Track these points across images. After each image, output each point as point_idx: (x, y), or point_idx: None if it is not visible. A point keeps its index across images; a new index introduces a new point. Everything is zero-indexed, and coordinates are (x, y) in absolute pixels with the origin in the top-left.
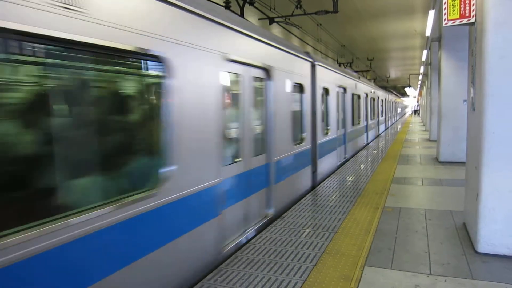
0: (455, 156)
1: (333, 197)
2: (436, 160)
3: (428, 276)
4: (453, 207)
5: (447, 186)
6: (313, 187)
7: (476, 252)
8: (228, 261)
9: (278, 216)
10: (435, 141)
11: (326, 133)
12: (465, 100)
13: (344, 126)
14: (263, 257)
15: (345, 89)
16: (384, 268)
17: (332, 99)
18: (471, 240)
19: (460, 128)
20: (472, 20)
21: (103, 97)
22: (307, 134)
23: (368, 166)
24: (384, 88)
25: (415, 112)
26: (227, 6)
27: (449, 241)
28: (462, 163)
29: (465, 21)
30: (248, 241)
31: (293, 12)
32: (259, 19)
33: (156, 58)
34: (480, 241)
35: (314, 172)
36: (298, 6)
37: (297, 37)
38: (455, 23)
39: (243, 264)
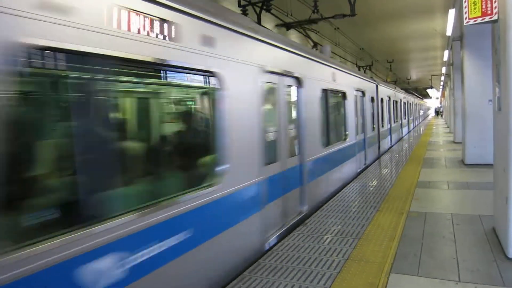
0: (482, 158)
1: (356, 202)
2: (462, 163)
3: (457, 283)
4: (482, 211)
5: (474, 189)
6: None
7: (508, 258)
8: (251, 268)
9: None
10: (460, 143)
11: (345, 139)
12: (490, 100)
13: (363, 131)
14: (286, 264)
15: (363, 93)
16: (410, 275)
17: (350, 104)
18: (502, 245)
19: (486, 129)
20: (495, 17)
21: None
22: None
23: (392, 170)
24: (406, 90)
25: (437, 113)
26: (243, 14)
27: (478, 246)
28: (490, 165)
29: (487, 18)
30: (271, 248)
31: (310, 17)
32: (276, 25)
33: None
34: (511, 246)
35: None
36: (315, 11)
37: (315, 41)
38: (476, 21)
39: (266, 271)
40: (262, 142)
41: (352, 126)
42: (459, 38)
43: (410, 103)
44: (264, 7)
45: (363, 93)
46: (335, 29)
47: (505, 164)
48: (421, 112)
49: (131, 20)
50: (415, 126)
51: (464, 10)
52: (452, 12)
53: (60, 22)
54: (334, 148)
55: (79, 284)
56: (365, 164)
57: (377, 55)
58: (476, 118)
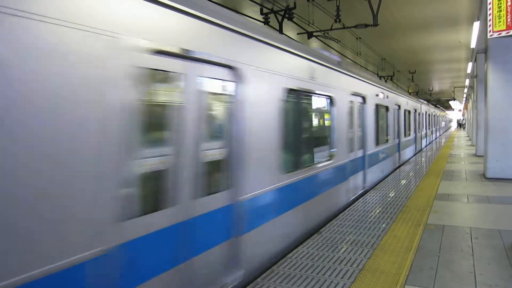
0: (504, 172)
1: (372, 212)
2: (483, 176)
3: None
4: (502, 226)
5: (495, 203)
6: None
7: None
8: (265, 275)
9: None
10: (482, 156)
11: (330, 159)
12: None
13: (363, 146)
14: (300, 272)
15: (364, 98)
16: None
17: (341, 112)
18: None
19: (509, 143)
20: None
21: None
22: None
23: (410, 182)
24: (427, 101)
25: (460, 125)
26: (266, 22)
27: (497, 261)
28: (511, 180)
29: None
30: (285, 255)
31: (332, 26)
32: (297, 33)
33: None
34: None
35: None
36: (337, 20)
37: (336, 50)
38: (501, 35)
39: (279, 279)
40: None
41: (342, 140)
42: (484, 50)
43: (429, 114)
44: (286, 16)
45: (364, 99)
46: (356, 38)
47: None
48: (443, 124)
49: None
50: (434, 139)
51: (489, 23)
52: (476, 25)
53: None
54: (307, 173)
55: None
56: (363, 188)
57: (399, 65)
58: (499, 131)
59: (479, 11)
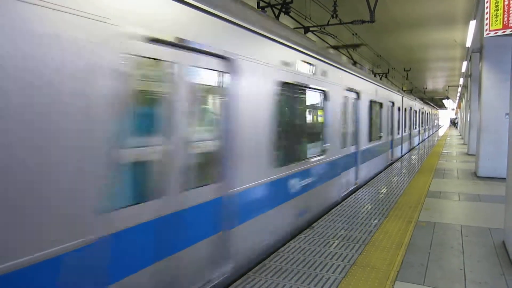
0: (495, 171)
1: (364, 208)
2: (475, 175)
3: None
4: (492, 224)
5: (485, 202)
6: None
7: None
8: (256, 269)
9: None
10: (474, 155)
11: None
12: (507, 114)
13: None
14: (291, 266)
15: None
16: (416, 284)
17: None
18: (511, 259)
19: (501, 142)
20: None
21: None
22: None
23: (402, 179)
24: (421, 99)
25: (454, 124)
26: None
27: (486, 259)
28: (503, 179)
29: (508, 31)
30: (277, 249)
31: (328, 21)
32: (294, 28)
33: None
34: None
35: None
36: (334, 15)
37: (332, 46)
38: (497, 34)
39: (271, 273)
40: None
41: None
42: (479, 50)
43: (428, 113)
44: (283, 10)
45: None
46: (353, 34)
47: None
48: (435, 122)
49: None
50: (427, 137)
51: (485, 22)
52: (472, 24)
53: None
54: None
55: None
56: (346, 190)
57: (394, 63)
58: (492, 130)
59: (476, 10)
